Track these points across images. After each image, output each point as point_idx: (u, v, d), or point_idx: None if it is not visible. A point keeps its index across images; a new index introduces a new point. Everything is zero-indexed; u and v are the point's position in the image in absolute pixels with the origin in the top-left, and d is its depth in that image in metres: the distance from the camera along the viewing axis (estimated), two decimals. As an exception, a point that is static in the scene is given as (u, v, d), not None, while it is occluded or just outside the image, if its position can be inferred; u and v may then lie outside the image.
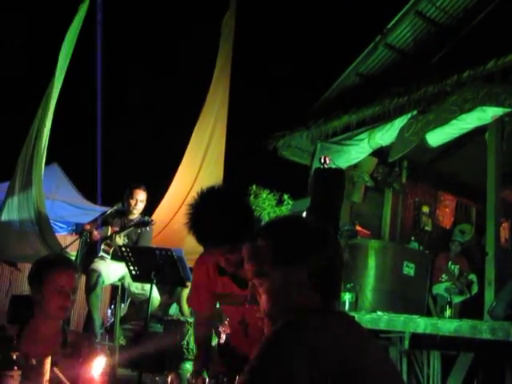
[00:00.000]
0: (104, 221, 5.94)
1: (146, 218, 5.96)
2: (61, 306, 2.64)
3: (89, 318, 5.74)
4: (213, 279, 2.83)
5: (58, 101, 7.00)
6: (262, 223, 7.75)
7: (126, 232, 5.71)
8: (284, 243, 1.62)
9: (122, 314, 6.20)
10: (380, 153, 8.07)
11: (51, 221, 7.89)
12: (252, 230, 2.47)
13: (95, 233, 5.76)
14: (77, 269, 2.78)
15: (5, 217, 6.69)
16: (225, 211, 2.48)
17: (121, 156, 17.28)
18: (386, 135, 7.47)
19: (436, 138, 6.98)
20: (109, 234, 5.77)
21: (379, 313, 6.15)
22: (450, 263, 8.32)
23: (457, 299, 7.79)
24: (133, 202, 5.89)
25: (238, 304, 2.62)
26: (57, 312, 2.65)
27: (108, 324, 6.81)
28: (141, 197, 5.92)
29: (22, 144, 6.92)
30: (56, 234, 8.18)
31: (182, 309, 6.96)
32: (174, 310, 7.31)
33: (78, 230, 7.22)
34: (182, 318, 6.05)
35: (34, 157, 6.73)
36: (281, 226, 1.72)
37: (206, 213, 2.50)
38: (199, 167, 8.02)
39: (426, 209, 9.37)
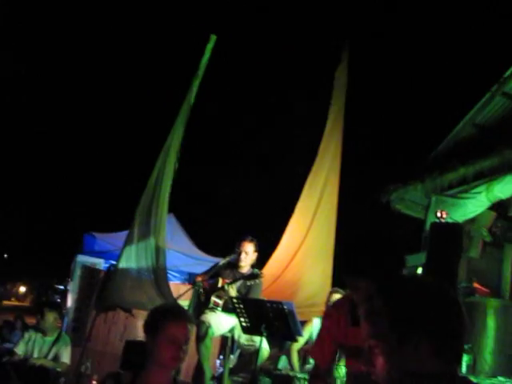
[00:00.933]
0: (216, 272, 6.03)
1: (256, 270, 6.00)
2: (173, 356, 2.66)
3: (198, 368, 5.78)
4: (343, 330, 2.73)
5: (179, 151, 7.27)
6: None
7: (236, 284, 5.76)
8: (402, 306, 1.54)
9: (231, 366, 6.19)
10: (499, 206, 7.75)
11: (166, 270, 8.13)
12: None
13: (206, 284, 5.86)
14: (190, 319, 2.81)
15: (123, 264, 6.95)
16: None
17: (236, 208, 17.66)
18: (505, 188, 7.17)
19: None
20: (220, 285, 5.84)
21: (500, 378, 5.77)
22: None
23: None
24: (241, 255, 5.96)
25: None
26: (169, 362, 2.68)
27: (217, 375, 6.83)
28: (248, 249, 5.98)
29: (141, 194, 7.20)
30: (169, 282, 8.42)
31: (292, 363, 6.85)
32: (283, 363, 7.22)
33: (191, 279, 7.37)
34: (290, 373, 5.95)
35: (153, 206, 6.99)
36: (399, 286, 1.63)
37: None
38: (311, 220, 7.99)
39: (550, 266, 8.79)
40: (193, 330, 2.81)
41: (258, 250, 6.08)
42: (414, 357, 1.50)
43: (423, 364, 1.50)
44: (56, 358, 6.30)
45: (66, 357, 6.35)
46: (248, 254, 5.98)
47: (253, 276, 5.73)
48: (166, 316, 2.72)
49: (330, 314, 2.87)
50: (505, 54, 8.56)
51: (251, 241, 6.01)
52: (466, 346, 6.28)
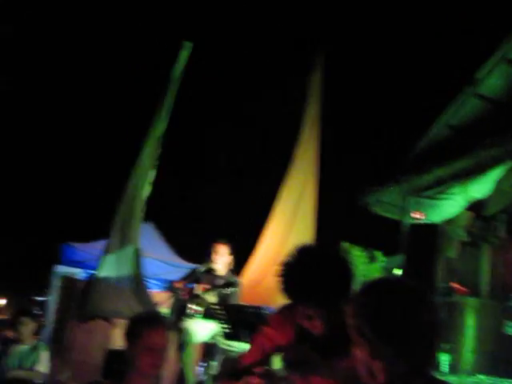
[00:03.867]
0: (194, 278, 6.02)
1: (234, 279, 6.00)
2: (152, 363, 2.67)
3: (181, 376, 5.76)
4: (287, 339, 2.57)
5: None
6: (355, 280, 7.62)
7: (215, 292, 5.74)
8: (382, 310, 1.64)
9: (214, 372, 6.17)
10: (475, 206, 7.81)
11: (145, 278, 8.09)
12: (346, 291, 2.35)
13: (185, 291, 5.85)
14: (169, 327, 2.81)
15: (103, 273, 6.91)
16: (321, 265, 2.37)
17: (215, 215, 17.65)
18: (481, 188, 7.24)
19: (536, 189, 6.70)
20: (199, 292, 5.83)
21: (481, 376, 5.82)
22: (557, 323, 7.78)
23: None
24: (214, 258, 5.97)
25: (333, 378, 2.37)
26: (148, 369, 2.68)
27: (200, 382, 6.79)
28: (221, 251, 5.99)
29: (119, 202, 7.16)
30: (150, 290, 8.37)
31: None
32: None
33: (171, 287, 7.36)
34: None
35: (131, 215, 6.95)
36: (380, 290, 1.73)
37: (301, 265, 2.39)
38: (290, 225, 8.00)
39: (527, 264, 8.90)
40: (172, 337, 2.80)
41: (234, 253, 6.08)
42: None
43: (398, 365, 1.59)
44: (32, 368, 6.20)
45: (42, 366, 6.25)
46: (221, 254, 5.98)
47: (231, 284, 5.72)
48: (144, 324, 2.72)
49: (275, 321, 2.67)
50: (477, 55, 8.66)
51: (224, 243, 6.02)
52: (446, 346, 6.33)
